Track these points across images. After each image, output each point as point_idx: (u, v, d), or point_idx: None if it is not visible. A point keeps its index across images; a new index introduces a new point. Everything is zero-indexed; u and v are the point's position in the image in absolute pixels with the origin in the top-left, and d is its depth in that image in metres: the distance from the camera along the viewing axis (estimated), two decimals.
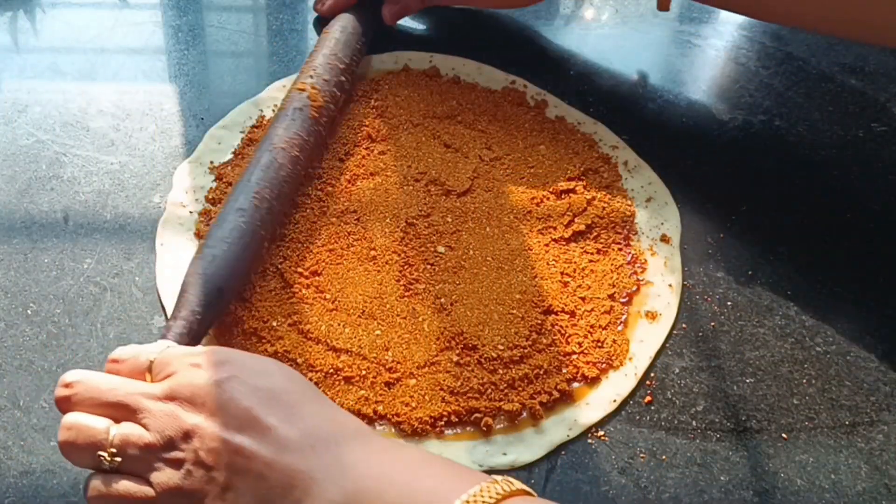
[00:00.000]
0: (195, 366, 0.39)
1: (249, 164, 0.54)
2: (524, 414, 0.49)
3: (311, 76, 0.59)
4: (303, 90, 0.58)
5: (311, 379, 0.49)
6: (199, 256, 0.49)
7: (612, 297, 0.54)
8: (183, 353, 0.41)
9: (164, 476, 0.37)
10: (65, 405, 0.40)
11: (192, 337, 0.45)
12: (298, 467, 0.36)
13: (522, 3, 0.70)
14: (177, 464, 0.37)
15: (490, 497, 0.34)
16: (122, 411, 0.39)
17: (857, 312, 0.55)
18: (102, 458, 0.38)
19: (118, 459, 0.38)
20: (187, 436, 0.37)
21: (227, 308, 0.50)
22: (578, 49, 0.72)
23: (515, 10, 0.75)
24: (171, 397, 0.39)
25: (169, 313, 0.51)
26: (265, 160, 0.54)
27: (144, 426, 0.38)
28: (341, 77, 0.60)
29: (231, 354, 0.41)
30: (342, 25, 0.64)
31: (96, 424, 0.39)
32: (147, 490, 0.38)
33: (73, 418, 0.39)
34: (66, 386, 0.40)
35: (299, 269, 0.54)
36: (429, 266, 0.54)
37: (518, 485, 0.36)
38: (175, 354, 0.41)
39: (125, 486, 0.38)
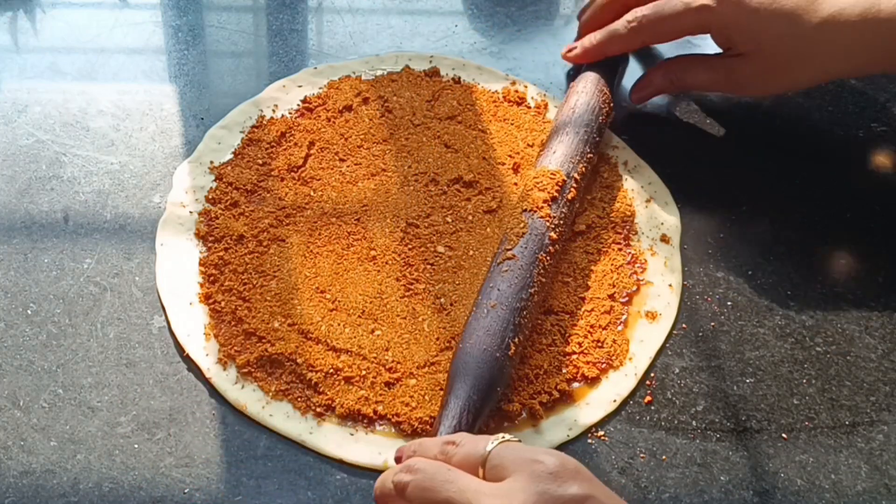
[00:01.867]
0: (551, 476, 0.36)
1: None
2: (524, 414, 0.49)
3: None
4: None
5: (310, 379, 0.49)
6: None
7: (612, 297, 0.54)
8: (524, 450, 0.38)
9: None
10: (399, 492, 0.38)
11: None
12: None
13: (793, 90, 0.66)
14: None
15: None
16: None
17: (857, 312, 0.55)
18: None
19: None
20: None
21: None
22: None
23: (515, 11, 0.75)
24: (510, 501, 0.35)
25: (169, 313, 0.52)
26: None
27: None
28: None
29: (583, 470, 0.37)
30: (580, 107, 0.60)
31: None
32: None
33: None
34: (409, 471, 0.38)
35: (299, 269, 0.54)
36: (429, 266, 0.54)
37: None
38: (514, 449, 0.38)
39: None
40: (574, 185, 0.55)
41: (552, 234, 0.52)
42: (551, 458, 0.37)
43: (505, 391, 0.48)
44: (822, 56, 0.57)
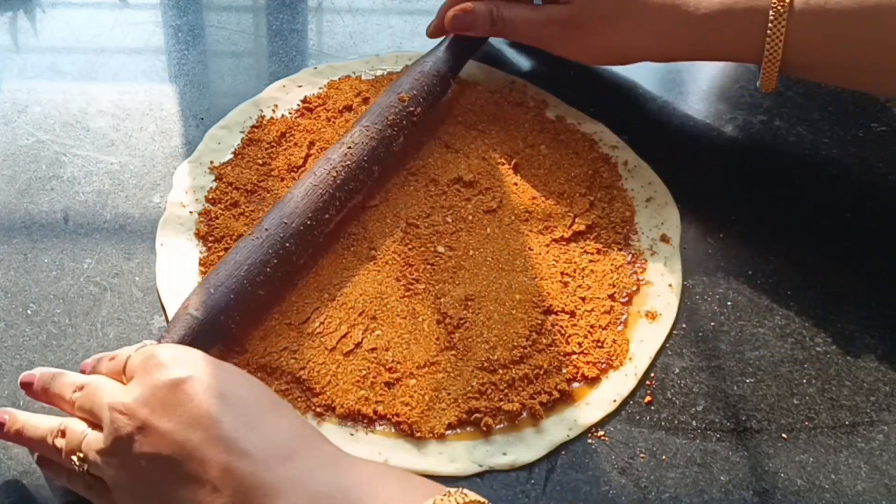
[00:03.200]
0: (157, 365, 0.40)
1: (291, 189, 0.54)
2: (524, 414, 0.49)
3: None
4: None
5: (310, 379, 0.49)
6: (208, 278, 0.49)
7: (612, 297, 0.54)
8: (149, 350, 0.41)
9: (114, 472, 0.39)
10: (70, 406, 0.43)
11: None
12: (252, 480, 0.36)
13: (592, 61, 0.66)
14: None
15: None
16: (94, 414, 0.41)
17: (857, 312, 0.55)
18: (73, 462, 0.40)
19: (86, 465, 0.40)
20: (140, 432, 0.38)
21: (226, 336, 0.49)
22: None
23: None
24: (131, 395, 0.39)
25: (169, 313, 0.52)
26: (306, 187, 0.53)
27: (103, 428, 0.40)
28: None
29: (192, 354, 0.41)
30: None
31: (76, 427, 0.41)
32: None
33: (68, 420, 0.42)
34: (80, 388, 0.42)
35: (299, 269, 0.53)
36: (429, 266, 0.54)
37: (472, 496, 0.36)
38: (143, 353, 0.41)
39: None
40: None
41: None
42: (165, 350, 0.41)
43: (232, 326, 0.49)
44: (626, 26, 0.58)
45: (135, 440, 0.38)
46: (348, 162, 0.55)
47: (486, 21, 0.62)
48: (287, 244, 0.51)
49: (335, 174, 0.54)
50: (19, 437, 0.43)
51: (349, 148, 0.55)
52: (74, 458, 0.40)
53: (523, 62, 0.69)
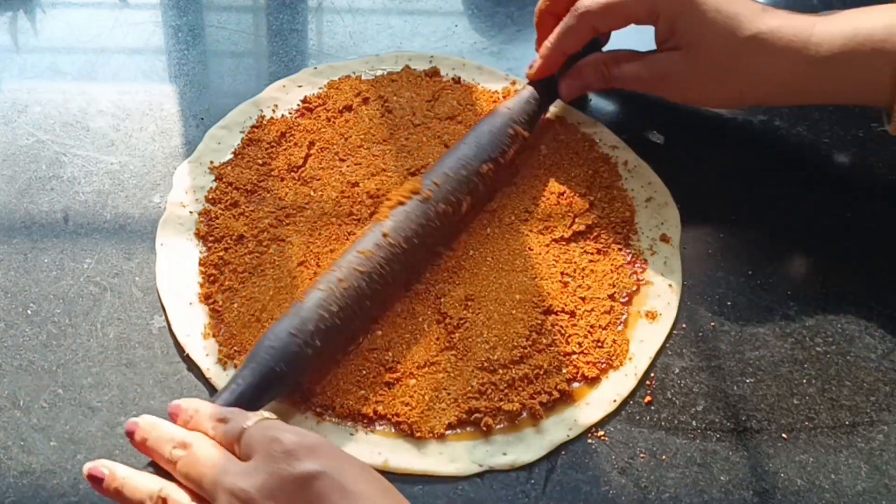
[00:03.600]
0: (283, 452, 0.38)
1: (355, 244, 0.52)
2: (524, 414, 0.49)
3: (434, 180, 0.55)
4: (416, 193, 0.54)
5: (310, 378, 0.49)
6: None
7: (612, 297, 0.54)
8: (273, 429, 0.39)
9: None
10: (172, 465, 0.40)
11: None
12: None
13: (709, 105, 0.64)
14: None
15: None
16: (205, 490, 0.39)
17: (857, 312, 0.55)
18: None
19: None
20: None
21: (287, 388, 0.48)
22: None
23: (515, 11, 0.75)
24: (251, 481, 0.37)
25: (169, 313, 0.52)
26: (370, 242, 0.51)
27: None
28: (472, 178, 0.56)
29: (322, 445, 0.39)
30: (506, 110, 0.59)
31: (181, 501, 0.39)
32: None
33: (171, 490, 0.40)
34: (183, 446, 0.40)
35: (299, 269, 0.54)
36: (429, 266, 0.54)
37: None
38: (265, 427, 0.39)
39: None
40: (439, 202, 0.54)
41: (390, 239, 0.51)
42: (291, 435, 0.38)
43: (302, 380, 0.48)
44: (746, 72, 0.56)
45: None
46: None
47: (599, 81, 0.61)
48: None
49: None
50: (118, 496, 0.40)
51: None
52: None
53: (523, 62, 0.69)
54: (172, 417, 0.43)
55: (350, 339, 0.50)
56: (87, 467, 0.41)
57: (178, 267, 0.54)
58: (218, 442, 0.41)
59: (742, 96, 0.60)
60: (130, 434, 0.42)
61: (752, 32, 0.55)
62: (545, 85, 0.62)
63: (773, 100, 0.61)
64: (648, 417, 0.49)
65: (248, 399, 0.44)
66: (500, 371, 0.50)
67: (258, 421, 0.40)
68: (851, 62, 0.53)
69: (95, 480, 0.40)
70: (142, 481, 0.40)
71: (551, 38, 0.60)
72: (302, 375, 0.47)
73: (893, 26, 0.52)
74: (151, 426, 0.42)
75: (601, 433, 0.49)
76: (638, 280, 0.55)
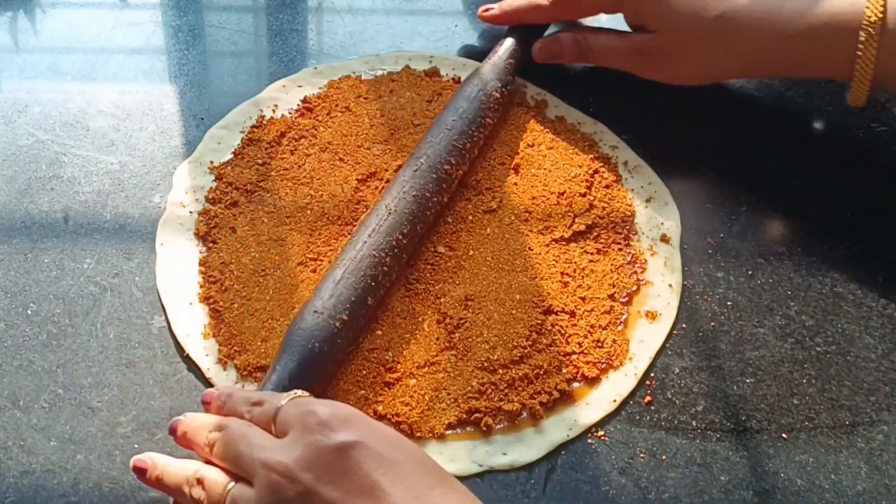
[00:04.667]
0: (319, 423, 0.38)
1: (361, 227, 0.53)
2: (524, 414, 0.49)
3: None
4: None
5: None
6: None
7: (612, 297, 0.54)
8: (306, 404, 0.40)
9: None
10: (208, 448, 0.41)
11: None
12: None
13: (681, 82, 0.64)
14: None
15: None
16: (241, 467, 0.39)
17: (857, 312, 0.55)
18: None
19: None
20: (302, 499, 0.36)
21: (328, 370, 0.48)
22: None
23: None
24: (289, 454, 0.37)
25: (169, 313, 0.52)
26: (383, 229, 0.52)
27: (253, 485, 0.38)
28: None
29: (357, 416, 0.39)
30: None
31: (219, 480, 0.39)
32: None
33: (206, 471, 0.40)
34: (218, 428, 0.41)
35: (299, 269, 0.54)
36: (429, 266, 0.54)
37: None
38: (300, 404, 0.40)
39: None
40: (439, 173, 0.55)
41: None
42: (324, 408, 0.39)
43: (338, 356, 0.48)
44: (715, 50, 0.59)
45: None
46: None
47: (574, 51, 0.63)
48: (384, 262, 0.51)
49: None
50: (160, 484, 0.41)
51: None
52: None
53: (524, 62, 0.69)
54: (205, 405, 0.43)
55: (371, 313, 0.51)
56: (133, 461, 0.42)
57: (178, 267, 0.54)
58: (255, 422, 0.41)
59: (714, 74, 0.63)
60: (173, 431, 0.42)
61: (720, 12, 0.57)
62: (522, 36, 0.64)
63: (742, 75, 0.64)
64: (648, 417, 0.49)
65: (288, 387, 0.44)
66: (500, 371, 0.50)
67: (292, 398, 0.41)
68: (818, 39, 0.56)
69: (140, 472, 0.41)
70: (180, 466, 0.41)
71: (520, 2, 0.64)
72: (337, 351, 0.48)
73: (857, 3, 0.54)
74: (190, 418, 0.42)
75: (601, 433, 0.49)
76: (638, 280, 0.55)
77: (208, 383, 0.49)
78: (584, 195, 0.59)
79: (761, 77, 0.65)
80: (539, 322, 0.52)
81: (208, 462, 0.41)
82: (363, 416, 0.40)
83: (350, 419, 0.38)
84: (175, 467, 0.41)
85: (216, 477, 0.40)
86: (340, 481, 0.36)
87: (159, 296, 0.53)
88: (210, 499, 0.39)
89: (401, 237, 0.52)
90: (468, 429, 0.48)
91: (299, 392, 0.42)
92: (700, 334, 0.53)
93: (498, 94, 0.60)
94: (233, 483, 0.39)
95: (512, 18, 0.65)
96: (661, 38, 0.59)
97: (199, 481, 0.40)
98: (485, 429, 0.48)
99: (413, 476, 0.37)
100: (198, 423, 0.42)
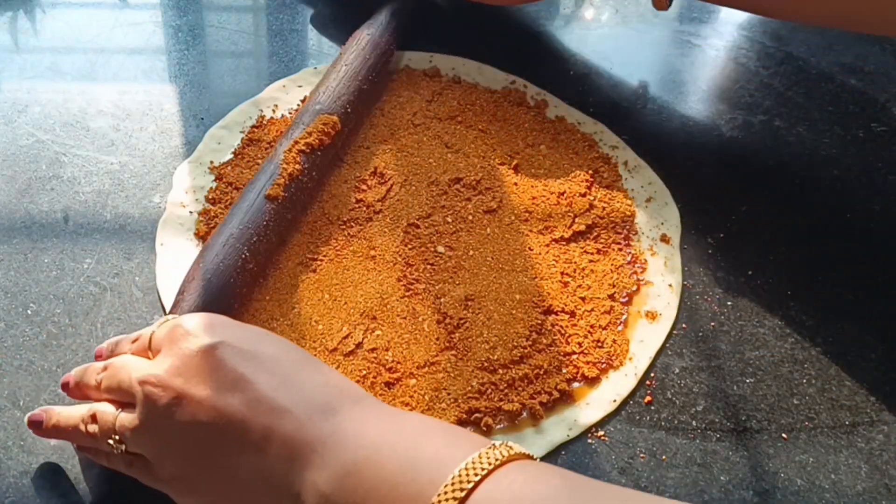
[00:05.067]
0: (184, 333, 0.40)
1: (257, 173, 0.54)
2: (524, 414, 0.49)
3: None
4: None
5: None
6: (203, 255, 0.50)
7: (612, 297, 0.54)
8: (173, 322, 0.41)
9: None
10: (96, 388, 0.42)
11: None
12: (296, 437, 0.36)
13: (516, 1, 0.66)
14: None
15: (489, 462, 0.33)
16: (124, 393, 0.40)
17: (857, 312, 0.55)
18: (110, 444, 0.40)
19: (122, 446, 0.40)
20: (176, 403, 0.38)
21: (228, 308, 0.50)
22: (578, 49, 0.72)
23: (514, 10, 0.75)
24: (160, 368, 0.39)
25: (169, 313, 0.52)
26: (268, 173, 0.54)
27: (135, 405, 0.39)
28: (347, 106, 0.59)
29: (219, 320, 0.41)
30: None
31: (107, 409, 0.41)
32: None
33: (99, 407, 0.41)
34: (104, 369, 0.42)
35: (299, 269, 0.54)
36: (429, 266, 0.54)
37: (518, 448, 0.35)
38: (168, 325, 0.41)
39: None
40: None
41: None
42: (189, 319, 0.40)
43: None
44: None
45: (172, 411, 0.38)
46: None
47: None
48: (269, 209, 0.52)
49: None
50: (57, 431, 0.43)
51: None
52: (110, 440, 0.40)
53: (523, 62, 0.69)
54: (97, 358, 0.45)
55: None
56: (27, 416, 0.43)
57: (178, 267, 0.54)
58: (134, 354, 0.43)
59: None
60: (65, 385, 0.44)
61: None
62: None
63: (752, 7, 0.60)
64: (648, 417, 0.49)
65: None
66: (500, 371, 0.50)
67: (162, 322, 0.42)
68: None
69: (36, 425, 0.43)
70: (73, 410, 0.43)
71: None
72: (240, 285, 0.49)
73: None
74: (82, 369, 0.44)
75: (601, 433, 0.49)
76: (638, 280, 0.55)
77: None
78: (584, 195, 0.59)
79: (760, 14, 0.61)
80: (539, 322, 0.52)
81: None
82: (228, 320, 0.41)
83: (213, 324, 0.40)
84: (69, 411, 0.43)
85: (106, 408, 0.41)
86: (207, 379, 0.37)
87: (159, 296, 0.53)
88: (102, 429, 0.40)
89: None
90: (468, 429, 0.48)
91: (169, 316, 0.43)
92: (700, 334, 0.53)
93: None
94: (120, 410, 0.40)
95: None
96: None
97: (92, 417, 0.41)
98: (485, 429, 0.48)
99: (277, 364, 0.38)
100: (87, 371, 0.44)
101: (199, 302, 0.47)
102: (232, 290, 0.49)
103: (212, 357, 0.38)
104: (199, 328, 0.40)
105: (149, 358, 0.42)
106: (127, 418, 0.40)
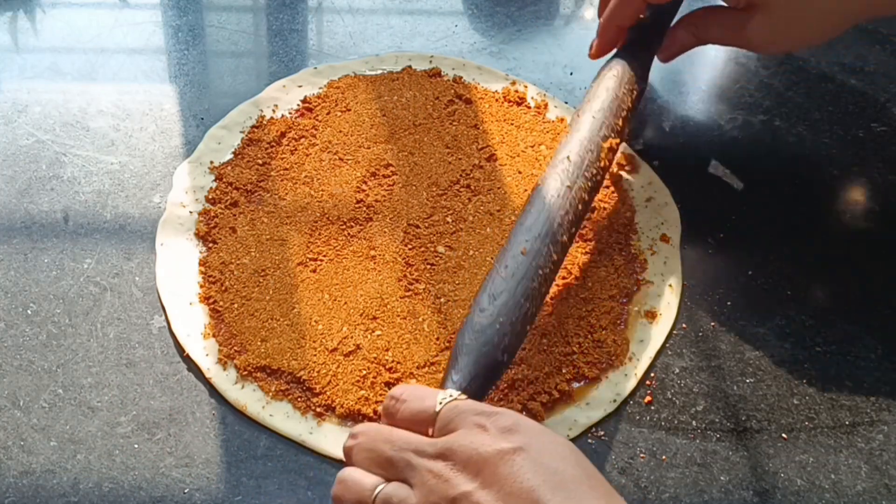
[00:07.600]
0: (480, 427, 0.36)
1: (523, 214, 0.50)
2: (524, 414, 0.49)
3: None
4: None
5: (310, 379, 0.49)
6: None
7: (612, 297, 0.54)
8: (469, 409, 0.38)
9: None
10: (347, 458, 0.39)
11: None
12: None
13: (810, 44, 0.63)
14: None
15: None
16: (394, 469, 0.37)
17: (857, 312, 0.55)
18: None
19: None
20: (457, 501, 0.35)
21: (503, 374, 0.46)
22: (578, 49, 0.72)
23: (515, 11, 0.75)
24: (446, 457, 0.36)
25: (169, 313, 0.52)
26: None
27: (412, 486, 0.36)
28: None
29: (522, 423, 0.37)
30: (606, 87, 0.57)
31: (365, 482, 0.37)
32: None
33: (347, 473, 0.38)
34: (353, 437, 0.39)
35: (299, 269, 0.54)
36: (429, 266, 0.54)
37: None
38: (461, 409, 0.38)
39: None
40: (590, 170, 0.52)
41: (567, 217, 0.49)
42: (493, 412, 0.37)
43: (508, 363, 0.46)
44: (819, 10, 0.55)
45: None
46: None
47: (692, 43, 0.60)
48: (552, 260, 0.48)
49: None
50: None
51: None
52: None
53: (523, 62, 0.69)
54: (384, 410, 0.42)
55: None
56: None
57: (178, 267, 0.54)
58: (399, 424, 0.39)
59: (831, 28, 0.57)
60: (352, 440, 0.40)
61: None
62: (632, 55, 0.60)
63: (862, 15, 0.58)
64: (648, 417, 0.49)
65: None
66: None
67: (451, 401, 0.39)
68: None
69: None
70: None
71: (605, 13, 0.59)
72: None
73: None
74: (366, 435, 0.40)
75: (601, 433, 0.49)
76: (638, 280, 0.55)
77: (208, 383, 0.49)
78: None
79: (880, 14, 0.60)
80: (539, 322, 0.52)
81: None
82: (530, 422, 0.37)
83: (514, 426, 0.37)
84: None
85: (360, 479, 0.38)
86: (499, 487, 0.34)
87: (159, 296, 0.53)
88: (358, 497, 0.37)
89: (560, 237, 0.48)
90: None
91: (455, 394, 0.40)
92: (700, 334, 0.53)
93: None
94: (383, 483, 0.37)
95: (612, 34, 0.59)
96: (766, 13, 0.55)
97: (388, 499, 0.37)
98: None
99: (575, 487, 0.34)
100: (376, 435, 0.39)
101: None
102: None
103: (508, 463, 0.35)
104: (500, 426, 0.36)
105: (423, 433, 0.38)
106: (396, 493, 0.37)
